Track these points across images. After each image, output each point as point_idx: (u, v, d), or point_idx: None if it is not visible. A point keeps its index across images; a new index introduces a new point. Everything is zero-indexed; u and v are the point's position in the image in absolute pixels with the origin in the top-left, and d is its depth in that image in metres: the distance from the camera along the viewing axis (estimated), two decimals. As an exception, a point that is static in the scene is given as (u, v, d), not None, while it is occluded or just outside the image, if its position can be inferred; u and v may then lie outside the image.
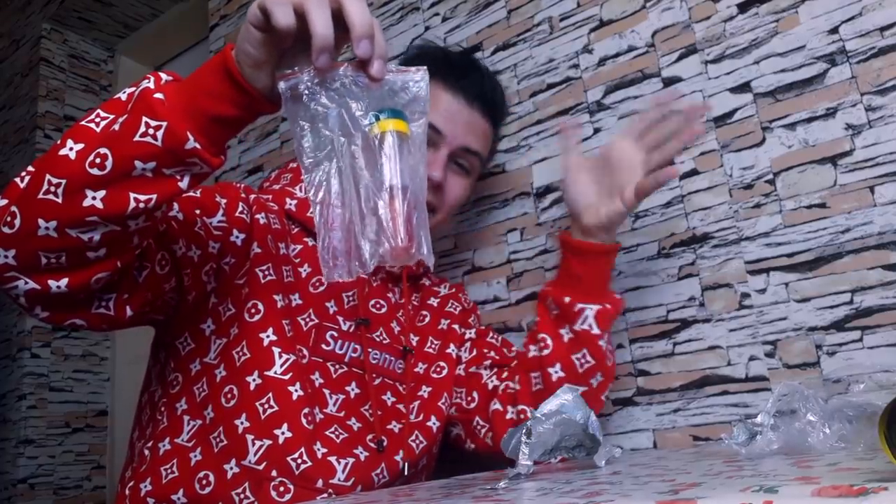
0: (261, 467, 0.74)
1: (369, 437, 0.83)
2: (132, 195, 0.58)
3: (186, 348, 0.81)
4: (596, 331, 0.86)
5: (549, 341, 0.88)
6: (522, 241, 1.14)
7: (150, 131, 0.56)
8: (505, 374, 0.94)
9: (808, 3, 0.92)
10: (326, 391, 0.81)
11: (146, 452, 0.79)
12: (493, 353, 0.97)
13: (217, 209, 0.79)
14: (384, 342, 0.90)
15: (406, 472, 0.85)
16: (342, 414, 0.82)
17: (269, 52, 0.57)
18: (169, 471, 0.76)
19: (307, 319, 0.83)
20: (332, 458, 0.77)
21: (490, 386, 0.94)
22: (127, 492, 0.78)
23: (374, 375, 0.87)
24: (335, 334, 0.85)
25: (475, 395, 0.94)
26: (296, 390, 0.77)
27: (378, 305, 0.92)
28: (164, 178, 0.58)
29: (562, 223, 1.10)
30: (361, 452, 0.81)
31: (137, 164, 0.57)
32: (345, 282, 0.73)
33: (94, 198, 0.57)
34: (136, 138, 0.56)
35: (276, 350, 0.78)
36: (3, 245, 0.59)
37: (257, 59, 0.57)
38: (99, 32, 2.37)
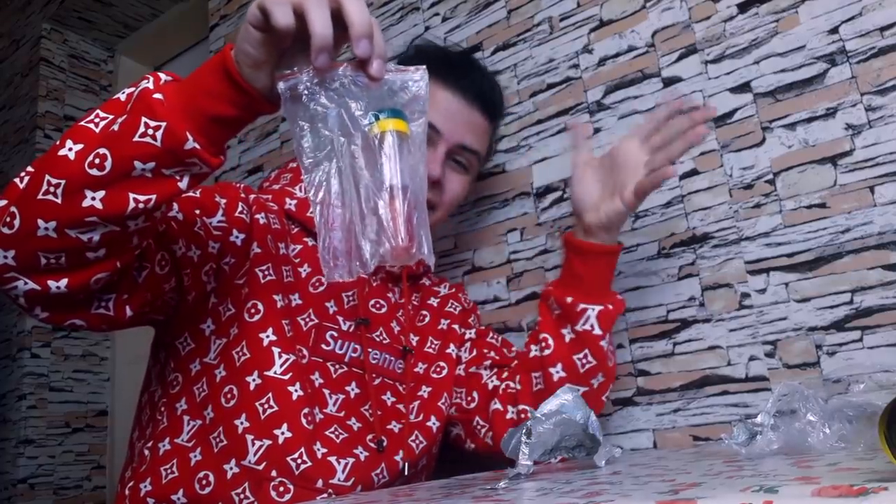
0: (261, 467, 0.74)
1: (369, 437, 0.83)
2: (131, 195, 0.58)
3: (186, 348, 0.81)
4: (598, 331, 0.86)
5: (550, 341, 0.88)
6: (522, 241, 1.14)
7: (150, 132, 0.56)
8: (505, 375, 0.94)
9: (808, 3, 0.92)
10: (326, 391, 0.81)
11: (146, 452, 0.79)
12: (493, 354, 0.97)
13: (217, 209, 0.79)
14: (384, 342, 0.90)
15: (406, 472, 0.85)
16: (342, 414, 0.82)
17: (268, 52, 0.57)
18: (169, 471, 0.76)
19: (307, 319, 0.83)
20: (332, 458, 0.77)
21: (490, 386, 0.94)
22: (127, 492, 0.78)
23: (373, 375, 0.87)
24: (335, 334, 0.85)
25: (475, 395, 0.94)
26: (296, 390, 0.77)
27: (378, 305, 0.92)
28: (164, 178, 0.58)
29: (562, 223, 1.10)
30: (361, 452, 0.81)
31: (137, 164, 0.57)
32: (345, 282, 0.73)
33: (93, 198, 0.57)
34: (136, 139, 0.56)
35: (275, 350, 0.78)
36: (3, 245, 0.59)
37: (256, 59, 0.57)
38: (99, 32, 2.38)
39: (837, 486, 0.33)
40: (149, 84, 0.59)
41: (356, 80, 0.57)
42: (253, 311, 0.79)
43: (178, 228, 0.74)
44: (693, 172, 0.99)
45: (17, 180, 0.60)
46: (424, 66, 0.59)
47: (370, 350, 0.87)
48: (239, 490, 0.74)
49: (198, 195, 0.78)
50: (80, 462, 2.07)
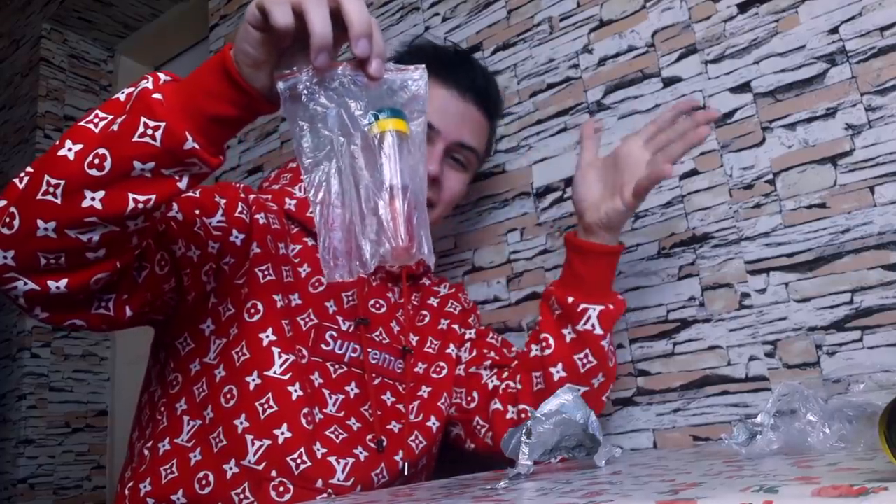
0: (260, 467, 0.74)
1: (369, 437, 0.82)
2: (131, 195, 0.58)
3: (186, 348, 0.81)
4: (598, 331, 0.86)
5: (551, 341, 0.88)
6: (522, 241, 1.14)
7: (149, 132, 0.56)
8: (505, 375, 0.94)
9: (808, 3, 0.92)
10: (326, 391, 0.81)
11: (146, 453, 0.79)
12: (493, 354, 0.97)
13: (216, 209, 0.79)
14: (384, 342, 0.90)
15: (406, 472, 0.85)
16: (342, 414, 0.82)
17: (267, 51, 0.57)
18: (168, 471, 0.76)
19: (307, 319, 0.83)
20: (332, 459, 0.77)
21: (490, 386, 0.94)
22: (126, 492, 0.78)
23: (373, 375, 0.87)
24: (335, 334, 0.85)
25: (475, 395, 0.94)
26: (295, 390, 0.77)
27: (378, 305, 0.92)
28: (163, 178, 0.58)
29: (562, 223, 1.10)
30: (361, 452, 0.81)
31: (136, 164, 0.57)
32: (344, 282, 0.73)
33: (92, 198, 0.57)
34: (135, 139, 0.56)
35: (275, 350, 0.78)
36: (3, 246, 0.59)
37: (256, 58, 0.57)
38: (99, 32, 2.38)
39: (837, 486, 0.33)
40: (148, 84, 0.59)
41: (355, 79, 0.57)
42: (253, 311, 0.79)
43: (178, 228, 0.74)
44: (693, 172, 0.98)
45: (16, 180, 0.60)
46: (424, 66, 0.59)
47: (370, 350, 0.87)
48: (239, 490, 0.74)
49: (197, 195, 0.78)
50: (80, 462, 2.07)
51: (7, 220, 0.59)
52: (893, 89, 0.85)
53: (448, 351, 0.97)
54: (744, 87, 0.96)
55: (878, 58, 0.87)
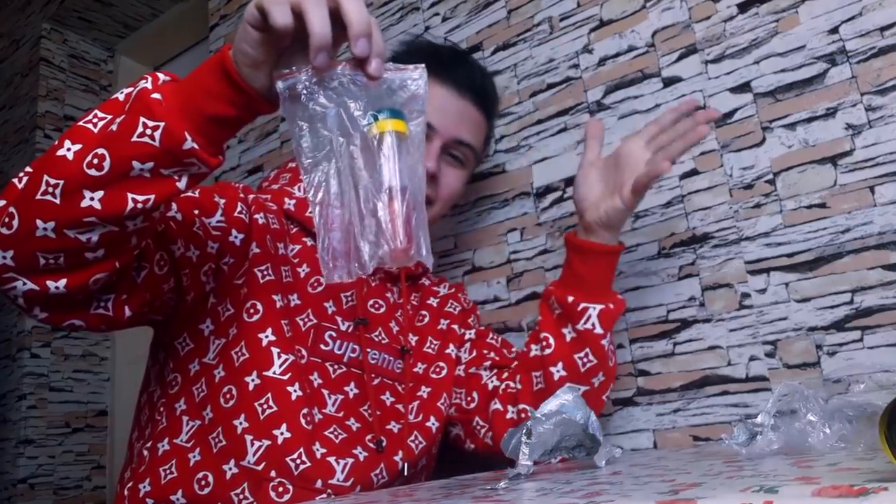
0: (260, 468, 0.74)
1: (368, 437, 0.82)
2: (130, 196, 0.58)
3: (185, 349, 0.81)
4: (599, 330, 0.86)
5: (551, 340, 0.88)
6: (522, 241, 1.14)
7: (148, 132, 0.56)
8: (505, 375, 0.94)
9: (808, 3, 0.92)
10: (325, 391, 0.81)
11: (145, 453, 0.79)
12: (492, 354, 0.97)
13: (216, 209, 0.79)
14: (383, 342, 0.90)
15: (405, 473, 0.85)
16: (341, 414, 0.82)
17: (266, 51, 0.57)
18: (168, 471, 0.76)
19: (306, 320, 0.83)
20: (332, 459, 0.77)
21: (490, 386, 0.94)
22: (126, 492, 0.78)
23: (372, 375, 0.87)
24: (334, 334, 0.85)
25: (475, 395, 0.94)
26: (294, 390, 0.77)
27: (377, 305, 0.92)
28: (162, 178, 0.58)
29: (562, 223, 1.10)
30: (360, 453, 0.80)
31: (135, 164, 0.57)
32: (343, 282, 0.73)
33: (91, 198, 0.57)
34: (134, 139, 0.56)
35: (274, 350, 0.78)
36: (2, 246, 0.59)
37: (255, 58, 0.57)
38: (99, 32, 2.38)
39: (837, 486, 0.33)
40: (147, 84, 0.59)
41: (355, 79, 0.57)
42: (252, 311, 0.79)
43: (177, 228, 0.74)
44: (693, 172, 0.98)
45: (15, 181, 0.60)
46: (423, 65, 0.59)
47: (369, 350, 0.87)
48: (238, 490, 0.74)
49: (197, 195, 0.78)
50: (80, 462, 2.07)
51: (6, 220, 0.59)
52: (893, 89, 0.85)
53: (448, 351, 0.96)
54: (744, 87, 0.96)
55: (878, 58, 0.87)
